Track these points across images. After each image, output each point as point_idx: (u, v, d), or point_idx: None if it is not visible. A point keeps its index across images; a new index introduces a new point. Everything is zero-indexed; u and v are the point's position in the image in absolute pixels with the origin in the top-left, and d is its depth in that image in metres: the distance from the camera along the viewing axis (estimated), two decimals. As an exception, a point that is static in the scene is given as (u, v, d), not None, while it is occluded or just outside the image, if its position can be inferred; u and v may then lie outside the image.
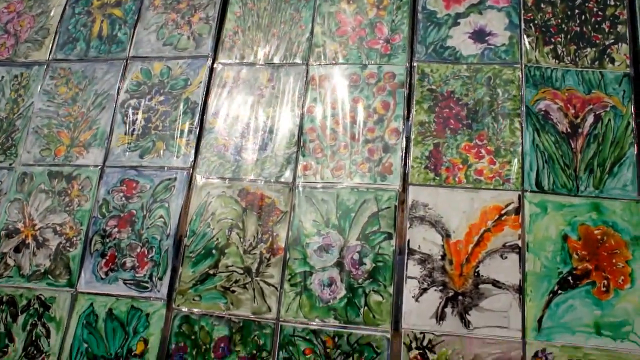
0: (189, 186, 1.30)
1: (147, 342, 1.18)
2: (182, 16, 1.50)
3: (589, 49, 1.29)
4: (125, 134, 1.39)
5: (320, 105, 1.34)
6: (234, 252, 1.23)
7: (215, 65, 1.42)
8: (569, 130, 1.23)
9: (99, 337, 1.21)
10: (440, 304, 1.14)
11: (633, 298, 1.10)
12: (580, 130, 1.23)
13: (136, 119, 1.39)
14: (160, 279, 1.22)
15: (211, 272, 1.21)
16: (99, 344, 1.20)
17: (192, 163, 1.32)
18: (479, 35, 1.33)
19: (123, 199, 1.32)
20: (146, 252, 1.25)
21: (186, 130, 1.35)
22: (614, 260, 1.13)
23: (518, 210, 1.17)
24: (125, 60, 1.46)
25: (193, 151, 1.33)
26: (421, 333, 1.12)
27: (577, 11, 1.31)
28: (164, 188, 1.30)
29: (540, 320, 1.10)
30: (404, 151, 1.25)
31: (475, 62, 1.30)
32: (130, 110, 1.41)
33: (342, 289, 1.18)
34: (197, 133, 1.35)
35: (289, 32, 1.42)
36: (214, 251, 1.23)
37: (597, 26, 1.30)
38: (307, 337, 1.15)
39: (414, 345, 1.12)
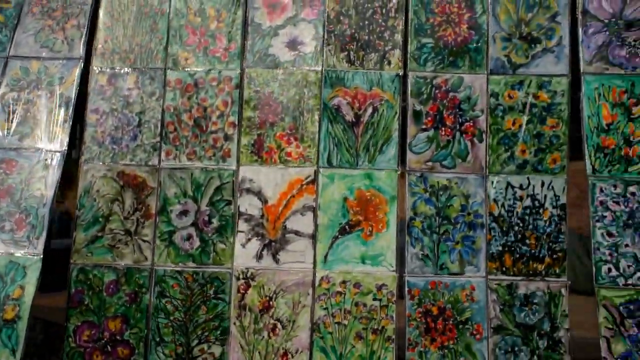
0: (73, 166, 1.70)
1: (23, 288, 1.62)
2: (57, 22, 1.80)
3: (373, 54, 1.69)
4: (5, 121, 1.74)
5: (176, 104, 1.73)
6: (116, 219, 1.69)
7: (91, 68, 1.76)
8: (353, 120, 1.68)
9: (-24, 287, 1.64)
10: (259, 248, 1.65)
11: (387, 238, 1.64)
12: (361, 119, 1.68)
13: (16, 109, 1.74)
14: (37, 238, 1.65)
15: (99, 234, 1.68)
16: (-24, 292, 1.64)
17: (66, 147, 1.69)
18: (293, 44, 1.71)
19: (3, 174, 1.69)
20: (24, 217, 1.66)
21: (61, 120, 1.72)
22: (377, 213, 1.65)
23: (314, 181, 1.66)
24: (5, 59, 1.78)
25: (67, 138, 1.69)
26: (246, 268, 1.65)
27: (367, 22, 1.70)
28: (42, 167, 1.69)
29: (326, 256, 1.64)
30: (238, 140, 1.69)
31: (289, 67, 1.70)
32: (11, 101, 1.75)
33: (197, 241, 1.67)
34: (70, 122, 1.71)
35: (149, 42, 1.77)
36: (100, 219, 1.69)
37: (380, 35, 1.70)
38: (174, 276, 1.66)
39: (241, 277, 1.65)
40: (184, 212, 1.69)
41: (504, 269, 1.62)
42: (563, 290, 1.60)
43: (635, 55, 1.62)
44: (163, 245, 1.68)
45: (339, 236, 1.66)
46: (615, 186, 1.58)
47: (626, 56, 1.62)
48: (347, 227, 1.66)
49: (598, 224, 1.58)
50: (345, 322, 1.62)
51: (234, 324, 1.63)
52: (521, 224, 1.63)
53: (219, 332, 1.63)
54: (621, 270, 1.55)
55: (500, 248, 1.63)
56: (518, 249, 1.62)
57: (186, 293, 1.65)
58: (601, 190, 1.59)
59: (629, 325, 1.53)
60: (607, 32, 1.63)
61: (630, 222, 1.57)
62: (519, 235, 1.62)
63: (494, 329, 1.60)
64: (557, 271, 1.61)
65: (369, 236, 1.65)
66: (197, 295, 1.65)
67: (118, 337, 1.63)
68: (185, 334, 1.63)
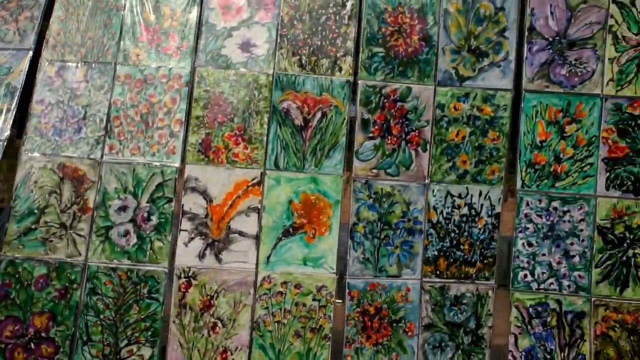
0: (3, 154, 1.63)
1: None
2: (11, 14, 1.76)
3: (325, 60, 1.72)
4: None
5: (123, 98, 1.70)
6: (52, 211, 1.63)
7: (40, 60, 1.71)
8: (302, 124, 1.70)
9: None
10: (202, 247, 1.64)
11: (329, 241, 1.66)
12: (310, 123, 1.70)
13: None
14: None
15: (33, 227, 1.62)
16: None
17: (7, 136, 1.63)
18: (246, 46, 1.72)
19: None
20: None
21: (4, 110, 1.66)
22: (320, 217, 1.67)
23: (260, 183, 1.66)
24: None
25: (9, 126, 1.63)
26: (188, 267, 1.62)
27: (320, 28, 1.73)
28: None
29: (268, 257, 1.64)
30: (184, 137, 1.68)
31: (241, 68, 1.71)
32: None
33: (134, 238, 1.64)
34: (14, 112, 1.65)
35: (102, 37, 1.74)
36: (35, 211, 1.63)
37: (333, 41, 1.73)
38: (108, 273, 1.62)
39: (183, 275, 1.62)
40: (123, 208, 1.65)
41: (438, 272, 1.67)
42: (490, 292, 1.66)
43: (575, 74, 1.71)
44: (98, 240, 1.63)
45: (283, 238, 1.66)
46: (540, 200, 1.67)
47: (566, 75, 1.71)
48: (290, 229, 1.66)
49: (520, 235, 1.67)
50: (285, 321, 1.62)
51: (174, 322, 1.60)
52: (457, 231, 1.68)
53: (149, 333, 1.59)
54: (535, 276, 1.66)
55: (436, 253, 1.67)
56: (452, 254, 1.68)
57: (119, 291, 1.61)
58: (527, 204, 1.67)
59: (535, 324, 1.65)
60: (551, 50, 1.72)
61: (549, 234, 1.66)
62: (455, 242, 1.68)
63: (425, 326, 1.65)
64: (487, 275, 1.67)
65: (312, 239, 1.66)
66: (130, 294, 1.61)
67: (43, 334, 1.57)
68: (114, 334, 1.59)
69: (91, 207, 1.64)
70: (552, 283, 1.65)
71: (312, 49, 1.73)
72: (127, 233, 1.64)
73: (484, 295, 1.65)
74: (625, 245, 1.64)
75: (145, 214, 1.64)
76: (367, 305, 1.64)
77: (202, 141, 1.68)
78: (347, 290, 1.64)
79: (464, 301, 1.65)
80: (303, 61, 1.72)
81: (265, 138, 1.68)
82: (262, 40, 1.72)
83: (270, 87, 1.70)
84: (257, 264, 1.63)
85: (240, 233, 1.65)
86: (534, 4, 1.73)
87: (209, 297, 1.61)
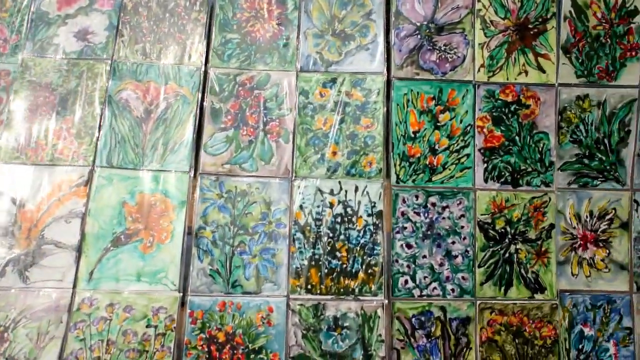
0: None
1: None
2: None
3: (172, 47, 1.53)
4: None
5: None
6: None
7: None
8: (143, 115, 1.46)
9: None
10: (2, 264, 1.31)
11: (171, 250, 1.35)
12: (152, 115, 1.47)
13: None
14: None
15: None
16: None
17: None
18: (82, 34, 1.52)
19: None
20: None
21: None
22: (161, 221, 1.37)
23: (87, 183, 1.39)
24: None
25: None
26: (-20, 289, 1.29)
27: (167, 15, 1.55)
28: None
29: (91, 273, 1.32)
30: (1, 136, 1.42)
31: (74, 57, 1.50)
32: None
33: None
34: None
35: None
36: None
37: (182, 28, 1.55)
38: None
39: (-28, 300, 1.28)
40: None
41: (309, 286, 1.36)
42: (379, 311, 1.35)
43: (445, 60, 1.54)
44: None
45: (112, 248, 1.35)
46: (417, 196, 1.44)
47: (436, 61, 1.54)
48: (122, 237, 1.36)
49: (398, 236, 1.42)
50: (107, 356, 1.26)
51: (-57, 366, 1.24)
52: (331, 235, 1.40)
53: None
54: (417, 282, 1.39)
55: (305, 262, 1.38)
56: (327, 263, 1.38)
57: None
58: (403, 201, 1.43)
59: (419, 336, 1.36)
60: (419, 36, 1.56)
61: (429, 232, 1.42)
62: (329, 248, 1.39)
63: (294, 358, 1.30)
64: (373, 289, 1.37)
65: (149, 248, 1.35)
66: None
67: None
68: None
69: None
70: (435, 288, 1.38)
71: (157, 36, 1.54)
72: None
73: (372, 316, 1.34)
74: (507, 240, 1.42)
75: (-62, 226, 1.34)
76: (215, 331, 1.31)
77: (18, 137, 1.42)
78: (188, 311, 1.31)
79: (346, 324, 1.33)
80: (147, 49, 1.52)
81: (97, 131, 1.44)
82: (102, 28, 1.53)
83: (107, 76, 1.49)
84: (75, 282, 1.31)
85: (57, 244, 1.33)
86: (399, -13, 1.60)
87: (2, 328, 1.26)
